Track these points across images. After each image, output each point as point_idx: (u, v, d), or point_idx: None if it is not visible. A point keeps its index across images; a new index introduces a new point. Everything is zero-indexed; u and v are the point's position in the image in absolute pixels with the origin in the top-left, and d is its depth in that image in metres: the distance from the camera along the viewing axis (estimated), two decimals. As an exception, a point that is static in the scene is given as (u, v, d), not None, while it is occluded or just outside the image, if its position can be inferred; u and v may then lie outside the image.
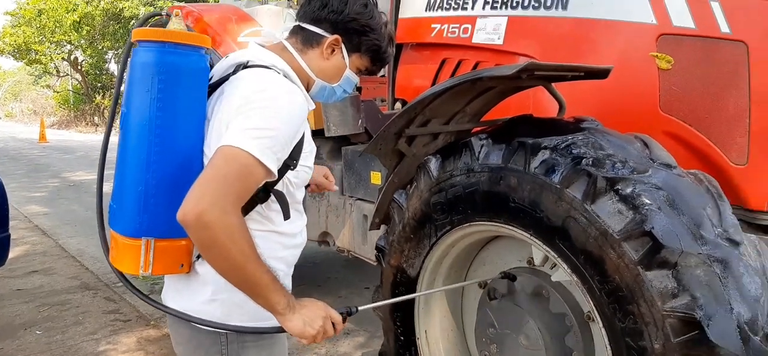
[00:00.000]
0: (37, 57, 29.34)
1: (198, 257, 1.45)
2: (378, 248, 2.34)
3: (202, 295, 1.45)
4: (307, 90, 1.55)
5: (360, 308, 1.53)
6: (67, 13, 23.72)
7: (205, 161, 1.40)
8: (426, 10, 3.10)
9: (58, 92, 36.25)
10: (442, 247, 2.07)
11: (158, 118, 1.32)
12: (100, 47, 26.49)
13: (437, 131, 2.21)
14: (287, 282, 1.58)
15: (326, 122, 3.08)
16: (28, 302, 4.49)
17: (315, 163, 1.64)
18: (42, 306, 4.39)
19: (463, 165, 1.91)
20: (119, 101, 1.48)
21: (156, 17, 1.72)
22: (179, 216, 1.21)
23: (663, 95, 2.09)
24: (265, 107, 1.30)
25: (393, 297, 2.23)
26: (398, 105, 3.34)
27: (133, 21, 20.54)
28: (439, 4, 3.02)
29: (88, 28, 24.27)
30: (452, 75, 2.95)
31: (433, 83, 3.06)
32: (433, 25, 3.04)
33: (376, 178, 3.13)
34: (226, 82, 1.42)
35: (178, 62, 1.34)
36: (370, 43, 1.53)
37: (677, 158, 2.00)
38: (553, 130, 1.77)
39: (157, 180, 1.33)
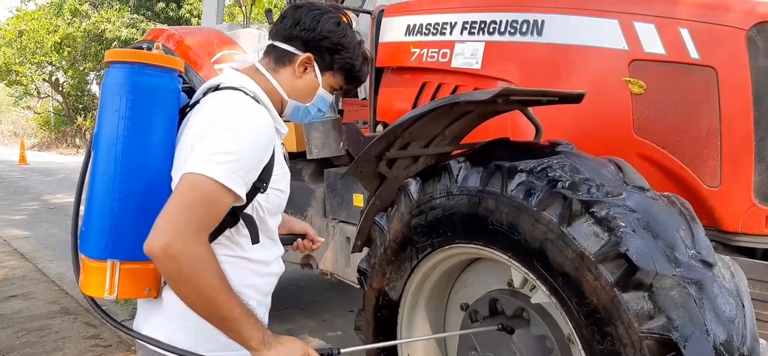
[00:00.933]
0: (17, 78, 29.01)
1: (166, 283, 1.42)
2: (360, 271, 2.35)
3: (171, 321, 1.42)
4: (282, 111, 1.54)
5: (343, 351, 1.50)
6: (49, 34, 23.53)
7: (173, 186, 1.38)
8: (406, 35, 3.15)
9: (38, 114, 35.85)
10: (424, 270, 2.08)
11: (126, 137, 1.31)
12: (81, 68, 26.31)
13: (417, 153, 2.24)
14: (262, 312, 1.55)
15: (308, 144, 3.09)
16: (6, 328, 4.42)
17: (299, 218, 1.62)
18: (21, 332, 4.33)
19: (443, 188, 1.94)
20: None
21: (139, 48, 1.74)
22: (146, 248, 1.20)
23: (636, 119, 2.14)
24: (229, 129, 1.28)
25: (375, 320, 2.24)
26: (380, 128, 3.37)
27: (114, 43, 20.46)
28: (419, 29, 3.07)
29: (70, 49, 24.10)
30: (432, 98, 2.99)
31: (414, 106, 3.09)
32: (412, 50, 3.08)
33: (359, 200, 3.15)
34: (197, 106, 1.42)
35: (147, 82, 1.35)
36: (343, 61, 1.52)
37: (651, 181, 2.04)
38: (530, 153, 1.80)
39: (123, 200, 1.31)
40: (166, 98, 1.38)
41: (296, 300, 4.95)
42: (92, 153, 1.37)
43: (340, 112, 3.71)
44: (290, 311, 4.71)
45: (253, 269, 1.49)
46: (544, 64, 2.47)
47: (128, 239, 1.32)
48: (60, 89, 30.24)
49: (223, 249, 1.40)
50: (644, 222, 1.53)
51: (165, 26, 7.08)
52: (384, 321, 2.22)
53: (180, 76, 1.45)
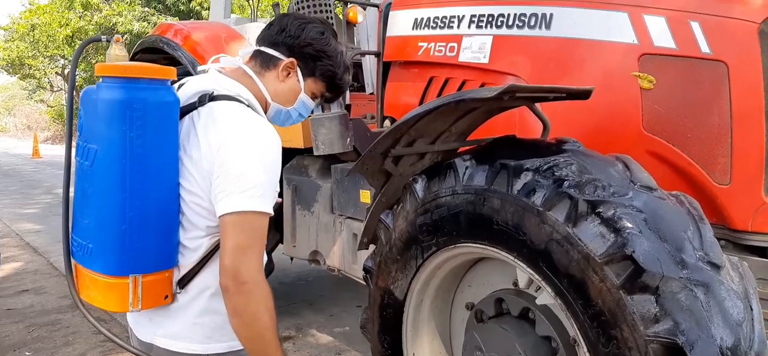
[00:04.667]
0: (30, 72, 29.29)
1: (178, 285, 1.47)
2: (365, 269, 2.33)
3: (184, 320, 1.48)
4: (264, 112, 1.58)
5: None
6: (60, 27, 23.65)
7: (186, 196, 1.42)
8: (413, 29, 3.12)
9: (51, 107, 36.15)
10: (429, 269, 2.06)
11: (138, 156, 1.31)
12: (93, 61, 26.42)
13: (424, 150, 2.22)
14: None
15: (315, 140, 3.07)
16: (18, 322, 4.46)
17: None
18: (32, 327, 4.37)
19: (448, 187, 1.91)
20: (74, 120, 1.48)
21: (96, 42, 1.73)
22: (222, 284, 1.34)
23: (646, 115, 2.10)
24: (257, 160, 1.37)
25: (380, 318, 2.23)
26: (387, 123, 3.35)
27: (126, 35, 20.51)
28: (426, 23, 3.04)
29: (81, 42, 24.23)
30: (440, 93, 2.97)
31: (421, 101, 3.07)
32: (420, 44, 3.06)
33: (366, 197, 3.13)
34: (195, 115, 1.44)
35: (149, 98, 1.33)
36: (325, 68, 1.59)
37: (660, 178, 2.01)
38: (536, 152, 1.77)
39: (140, 218, 1.33)
40: (168, 111, 1.38)
41: (304, 295, 4.96)
42: (87, 169, 1.36)
43: (348, 107, 3.69)
44: (298, 306, 4.71)
45: None
46: (552, 59, 2.44)
47: (147, 254, 1.36)
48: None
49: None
50: (651, 223, 1.50)
51: (173, 21, 7.07)
52: (389, 320, 2.20)
53: (172, 85, 1.45)
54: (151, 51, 4.43)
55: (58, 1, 24.66)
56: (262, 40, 1.60)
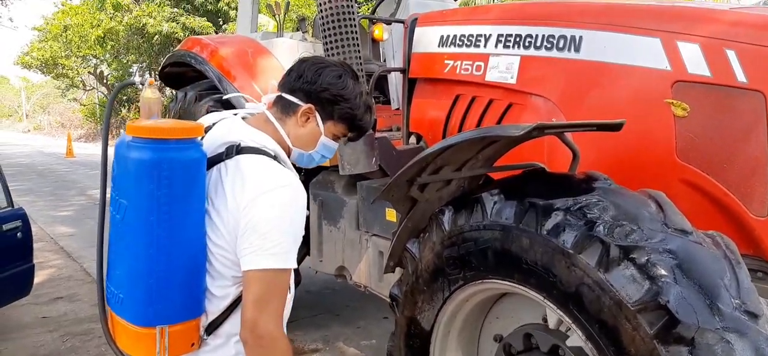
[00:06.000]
0: (63, 71, 29.96)
1: (206, 331, 1.49)
2: (392, 297, 2.33)
3: None
4: (288, 156, 1.60)
5: None
6: (92, 28, 24.12)
7: (213, 248, 1.44)
8: (439, 46, 3.10)
9: (84, 105, 36.89)
10: (456, 301, 2.05)
11: (165, 214, 1.34)
12: (124, 61, 26.90)
13: (450, 177, 2.20)
14: None
15: (341, 160, 3.06)
16: (52, 331, 4.56)
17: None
18: (65, 336, 4.46)
19: (476, 221, 1.89)
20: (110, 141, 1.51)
21: (132, 86, 1.75)
22: (242, 337, 1.39)
23: (679, 143, 2.05)
24: (277, 209, 1.39)
25: (407, 347, 2.22)
26: (412, 139, 3.34)
27: (156, 36, 20.81)
28: (452, 40, 3.01)
29: (113, 42, 24.62)
30: (466, 111, 2.95)
31: (447, 118, 3.05)
32: (446, 61, 3.03)
33: (392, 215, 3.12)
34: (223, 167, 1.46)
35: (176, 157, 1.36)
36: (343, 111, 1.59)
37: (694, 207, 1.96)
38: (566, 189, 1.74)
39: (168, 272, 1.36)
40: (195, 169, 1.40)
41: (330, 305, 4.97)
42: (120, 221, 1.39)
43: (375, 120, 3.68)
44: (325, 317, 4.73)
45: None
46: (581, 82, 2.39)
47: (174, 305, 1.40)
48: (104, 81, 31.01)
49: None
50: (686, 269, 1.46)
51: (201, 36, 7.10)
52: (416, 350, 2.19)
53: (200, 140, 1.47)
54: (178, 65, 4.48)
55: (89, 2, 25.15)
56: (282, 86, 1.63)
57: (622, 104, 2.22)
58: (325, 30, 2.91)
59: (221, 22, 20.60)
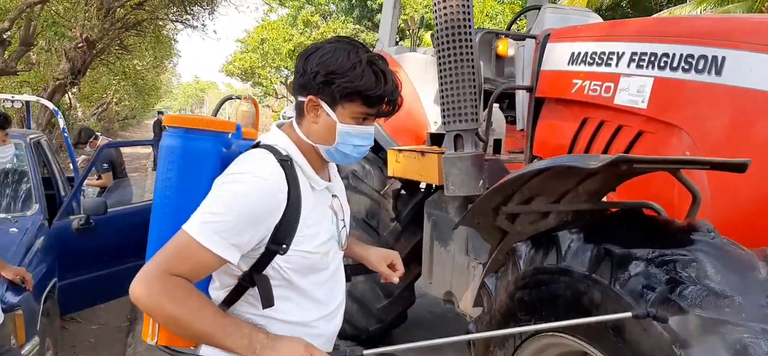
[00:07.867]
0: (259, 80, 33.07)
1: None
2: (468, 333, 2.11)
3: None
4: (318, 156, 1.48)
5: (366, 352, 1.28)
6: (284, 41, 26.35)
7: None
8: (569, 64, 2.80)
9: (275, 112, 40.39)
10: (529, 352, 1.79)
11: (167, 197, 1.38)
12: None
13: (545, 209, 1.95)
14: None
15: (446, 180, 2.90)
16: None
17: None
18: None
19: (550, 263, 1.63)
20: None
21: (231, 99, 1.88)
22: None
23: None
24: (226, 191, 1.30)
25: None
26: (535, 163, 3.06)
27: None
28: (583, 58, 2.71)
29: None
30: (592, 137, 2.64)
31: (573, 143, 2.76)
32: (574, 81, 2.74)
33: (501, 246, 2.88)
34: None
35: (182, 146, 1.40)
36: (341, 88, 1.36)
37: None
38: (655, 237, 1.43)
39: None
40: (202, 160, 1.41)
41: (451, 328, 4.77)
42: None
43: (498, 142, 3.45)
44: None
45: (289, 330, 1.39)
46: (721, 110, 2.01)
47: None
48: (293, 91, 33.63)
49: (251, 308, 1.41)
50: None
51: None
52: (486, 398, 1.96)
53: (230, 137, 1.48)
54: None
55: (284, 18, 27.50)
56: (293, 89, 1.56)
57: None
58: (439, 44, 2.77)
59: (398, 39, 21.30)
